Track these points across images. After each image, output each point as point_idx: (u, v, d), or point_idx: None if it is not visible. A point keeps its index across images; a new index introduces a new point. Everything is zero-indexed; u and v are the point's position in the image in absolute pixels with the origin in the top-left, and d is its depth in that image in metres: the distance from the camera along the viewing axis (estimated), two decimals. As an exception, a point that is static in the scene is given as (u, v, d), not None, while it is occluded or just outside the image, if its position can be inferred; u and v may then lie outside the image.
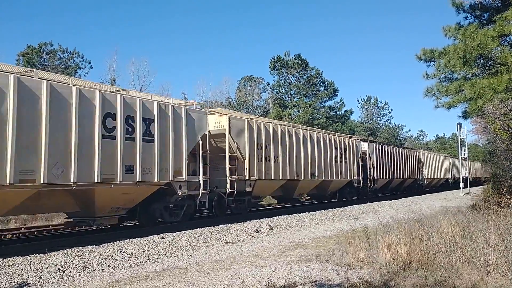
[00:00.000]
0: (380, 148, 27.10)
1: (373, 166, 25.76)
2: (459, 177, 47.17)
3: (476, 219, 8.22)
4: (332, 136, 21.49)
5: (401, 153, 31.42)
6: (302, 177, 18.24)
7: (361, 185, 24.19)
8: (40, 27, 66.67)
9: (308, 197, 24.46)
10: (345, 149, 22.28)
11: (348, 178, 22.65)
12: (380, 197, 28.68)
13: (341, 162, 21.69)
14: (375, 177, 25.98)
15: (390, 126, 74.76)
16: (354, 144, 23.64)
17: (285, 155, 17.14)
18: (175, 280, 6.82)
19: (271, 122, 17.59)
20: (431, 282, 5.90)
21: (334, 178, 20.97)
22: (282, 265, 7.58)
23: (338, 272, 6.78)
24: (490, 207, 9.74)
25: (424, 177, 36.80)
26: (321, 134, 20.41)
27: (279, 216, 15.84)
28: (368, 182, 25.10)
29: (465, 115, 12.34)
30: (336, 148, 21.25)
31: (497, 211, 9.23)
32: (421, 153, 37.61)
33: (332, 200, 23.61)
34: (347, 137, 24.08)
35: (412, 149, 37.35)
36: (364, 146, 25.45)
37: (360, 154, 24.37)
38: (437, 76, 12.48)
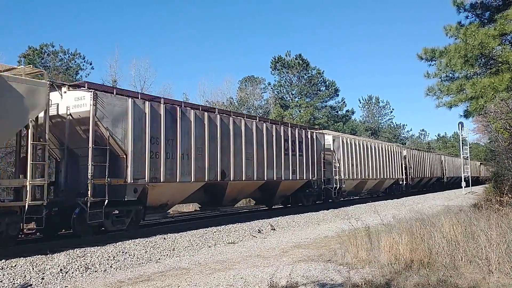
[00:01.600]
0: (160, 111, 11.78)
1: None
2: (426, 177, 36.73)
3: (478, 218, 8.21)
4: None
5: (264, 130, 15.91)
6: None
7: None
8: (41, 28, 66.89)
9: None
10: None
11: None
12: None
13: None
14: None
15: (392, 125, 74.72)
16: None
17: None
18: (177, 280, 6.83)
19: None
20: (433, 282, 5.90)
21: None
22: (284, 265, 7.58)
23: (340, 272, 6.79)
24: (492, 206, 9.76)
25: (337, 177, 21.07)
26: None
27: (281, 216, 15.84)
28: None
29: (467, 114, 12.33)
30: None
31: (499, 210, 9.26)
32: (330, 137, 21.47)
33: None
34: None
35: (308, 128, 19.99)
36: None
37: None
38: (438, 75, 12.47)
